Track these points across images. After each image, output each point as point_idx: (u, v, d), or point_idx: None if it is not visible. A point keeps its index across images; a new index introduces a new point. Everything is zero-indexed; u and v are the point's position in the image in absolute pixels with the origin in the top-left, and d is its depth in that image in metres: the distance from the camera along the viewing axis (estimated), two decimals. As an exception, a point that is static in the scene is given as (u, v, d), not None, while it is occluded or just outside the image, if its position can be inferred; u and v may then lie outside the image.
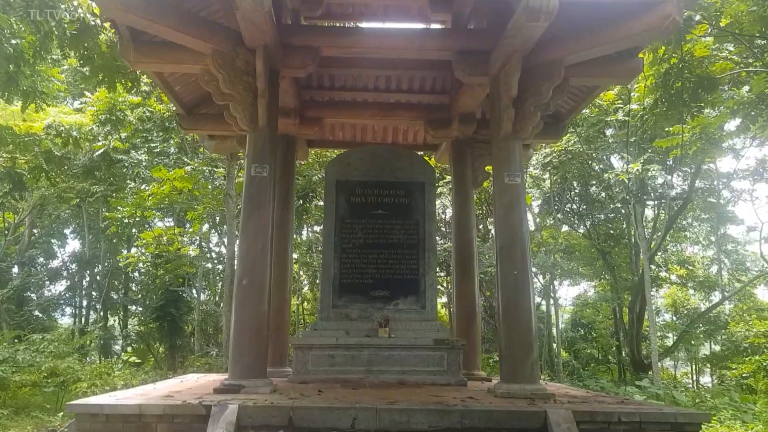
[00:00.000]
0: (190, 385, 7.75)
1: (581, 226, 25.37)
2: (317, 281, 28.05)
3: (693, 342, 28.06)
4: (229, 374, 6.78)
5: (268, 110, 7.16)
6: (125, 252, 26.65)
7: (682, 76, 9.97)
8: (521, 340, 6.75)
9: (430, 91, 10.22)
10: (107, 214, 18.69)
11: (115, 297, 31.35)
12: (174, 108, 9.72)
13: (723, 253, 29.81)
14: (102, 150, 19.60)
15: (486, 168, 9.92)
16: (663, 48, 9.91)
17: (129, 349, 32.22)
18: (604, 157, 20.72)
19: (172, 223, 21.76)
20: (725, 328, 27.54)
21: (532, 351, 6.76)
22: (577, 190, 23.78)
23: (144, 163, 19.07)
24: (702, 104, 10.19)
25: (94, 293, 30.67)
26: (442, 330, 8.17)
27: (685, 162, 15.03)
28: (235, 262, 7.15)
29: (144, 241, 16.85)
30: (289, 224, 9.69)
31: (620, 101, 14.85)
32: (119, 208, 18.06)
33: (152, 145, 19.71)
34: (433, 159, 11.94)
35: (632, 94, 13.66)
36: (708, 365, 30.56)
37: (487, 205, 20.83)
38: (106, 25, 9.54)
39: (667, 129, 11.81)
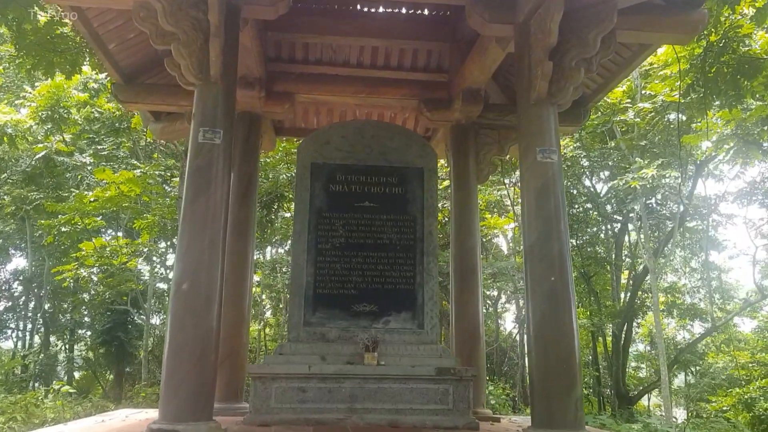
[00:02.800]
0: (111, 427, 5.79)
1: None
2: (281, 305, 26.09)
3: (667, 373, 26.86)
4: (160, 414, 4.86)
5: (224, 56, 5.34)
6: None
7: (719, 58, 8.43)
8: (560, 370, 4.98)
9: (424, 69, 8.52)
10: (42, 222, 16.50)
11: (62, 319, 28.81)
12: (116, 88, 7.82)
13: (706, 280, 28.75)
14: (43, 153, 17.51)
15: (492, 159, 8.19)
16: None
17: (75, 376, 29.80)
18: (586, 174, 19.26)
19: (122, 236, 19.58)
20: (702, 359, 26.47)
21: (574, 385, 4.98)
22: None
23: (89, 167, 17.01)
24: (742, 92, 8.60)
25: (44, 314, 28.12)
26: (445, 356, 6.31)
27: (716, 167, 13.50)
28: (174, 260, 5.23)
29: (83, 253, 14.72)
30: (251, 222, 7.80)
31: (629, 100, 13.40)
32: (60, 215, 15.90)
33: (99, 146, 17.68)
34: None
35: (643, 92, 12.20)
36: (681, 398, 29.37)
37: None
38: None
39: (697, 122, 10.20)
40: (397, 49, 8.30)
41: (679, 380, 30.12)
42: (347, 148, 6.76)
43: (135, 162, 17.05)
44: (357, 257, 6.53)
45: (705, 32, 8.43)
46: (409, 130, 7.16)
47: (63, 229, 15.28)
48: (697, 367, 26.91)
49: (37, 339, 28.59)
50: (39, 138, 17.40)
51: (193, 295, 4.93)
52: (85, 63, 15.96)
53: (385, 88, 8.13)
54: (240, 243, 7.53)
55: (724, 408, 20.91)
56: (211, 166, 5.18)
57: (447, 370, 6.00)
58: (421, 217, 6.70)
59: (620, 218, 21.96)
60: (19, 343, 29.08)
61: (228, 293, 7.10)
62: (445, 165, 8.71)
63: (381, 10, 8.34)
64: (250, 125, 7.85)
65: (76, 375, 30.80)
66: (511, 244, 27.26)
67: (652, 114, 12.18)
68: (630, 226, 24.75)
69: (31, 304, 28.64)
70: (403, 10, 8.34)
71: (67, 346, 30.00)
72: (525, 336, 27.60)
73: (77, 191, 16.79)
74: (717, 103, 9.06)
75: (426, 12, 8.37)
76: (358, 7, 8.26)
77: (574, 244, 23.30)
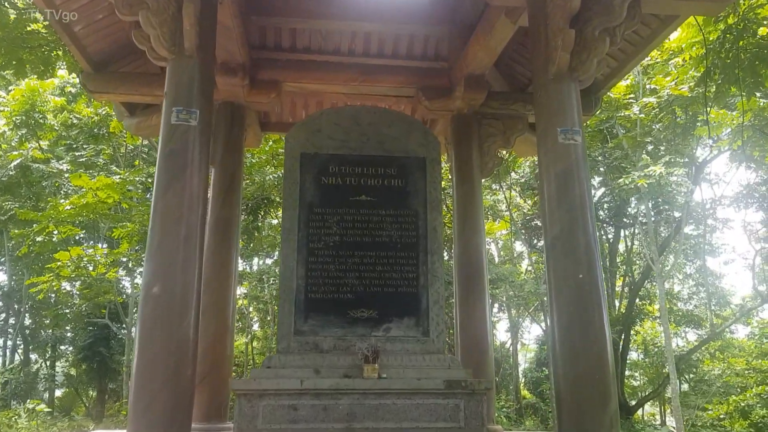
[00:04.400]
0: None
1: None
2: (268, 318, 25.31)
3: (661, 381, 26.39)
4: (128, 438, 4.15)
5: (200, 26, 4.67)
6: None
7: (737, 42, 7.85)
8: (592, 381, 4.33)
9: (422, 57, 7.90)
10: (15, 231, 15.67)
11: (44, 335, 27.82)
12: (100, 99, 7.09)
13: (703, 286, 28.29)
14: (18, 161, 16.71)
15: (497, 151, 7.55)
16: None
17: (56, 393, 28.84)
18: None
19: (105, 246, 18.76)
20: (696, 367, 25.99)
21: (609, 397, 4.33)
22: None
23: (66, 174, 16.21)
24: (761, 80, 8.01)
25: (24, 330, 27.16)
26: (455, 366, 5.61)
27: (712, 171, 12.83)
28: (144, 261, 4.53)
29: (59, 264, 13.92)
30: (234, 223, 7.10)
31: (632, 95, 12.81)
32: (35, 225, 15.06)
33: (77, 154, 16.90)
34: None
35: (649, 86, 11.63)
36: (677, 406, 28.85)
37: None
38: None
39: (706, 115, 9.57)
40: (392, 35, 7.68)
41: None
42: (341, 136, 6.06)
43: (115, 169, 16.28)
44: (353, 257, 5.81)
45: (723, 14, 7.86)
46: (410, 117, 6.50)
47: (38, 238, 14.46)
48: (691, 375, 26.46)
49: (17, 356, 27.58)
50: (13, 145, 16.59)
51: (166, 300, 4.25)
52: (61, 66, 15.28)
53: (379, 76, 7.50)
54: (223, 245, 6.85)
55: (721, 416, 20.62)
56: (186, 150, 4.51)
57: (457, 382, 5.29)
58: (424, 212, 6.00)
59: (613, 223, 21.46)
60: (-1, 360, 28.11)
61: (209, 300, 6.44)
62: (446, 160, 8.04)
63: (375, -8, 7.73)
64: (233, 116, 7.18)
65: (58, 393, 29.83)
66: (502, 252, 26.69)
67: (656, 110, 11.61)
68: (624, 232, 24.25)
69: (11, 320, 27.63)
70: (399, -8, 7.73)
71: (47, 363, 29.04)
72: (515, 345, 27.08)
73: (52, 201, 16.00)
74: (732, 92, 8.46)
75: (423, -7, 7.77)
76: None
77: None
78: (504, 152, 8.21)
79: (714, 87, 8.00)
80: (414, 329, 5.71)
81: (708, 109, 8.75)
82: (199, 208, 4.52)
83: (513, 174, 18.26)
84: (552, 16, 4.85)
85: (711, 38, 8.24)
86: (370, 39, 7.69)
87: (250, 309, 25.86)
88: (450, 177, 7.76)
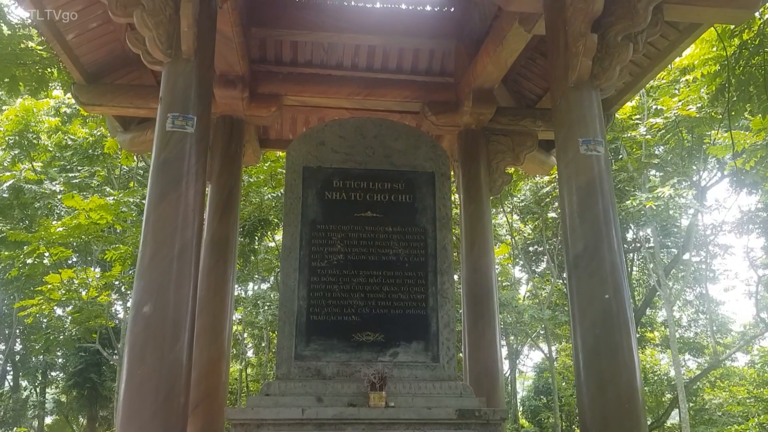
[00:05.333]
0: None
1: (558, 279, 22.91)
2: (263, 344, 24.79)
3: (664, 410, 25.90)
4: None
5: (198, 28, 4.38)
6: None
7: (752, 59, 7.61)
8: (622, 412, 3.98)
9: (426, 72, 7.66)
10: (4, 253, 15.26)
11: (34, 360, 27.22)
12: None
13: (703, 313, 27.96)
14: (11, 182, 16.35)
15: (506, 169, 7.25)
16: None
17: (46, 421, 28.20)
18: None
19: (99, 269, 18.33)
20: (696, 396, 25.56)
21: (639, 426, 3.96)
22: (553, 241, 21.34)
23: (60, 196, 15.85)
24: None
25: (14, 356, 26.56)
26: (467, 394, 5.23)
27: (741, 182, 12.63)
28: (134, 278, 4.17)
29: (49, 286, 13.51)
30: (232, 242, 6.74)
31: (638, 116, 12.59)
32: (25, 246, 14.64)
33: (71, 175, 16.57)
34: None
35: (654, 106, 11.41)
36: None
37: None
38: None
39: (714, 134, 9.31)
40: (396, 49, 7.45)
41: (673, 418, 29.16)
42: (346, 149, 5.75)
43: (109, 190, 15.94)
44: (358, 277, 5.46)
45: (738, 29, 7.65)
46: (418, 130, 6.19)
47: (28, 261, 14.05)
48: (691, 404, 26.03)
49: (7, 382, 26.96)
50: (6, 165, 16.26)
51: (158, 320, 3.90)
52: (56, 85, 15.00)
53: (384, 90, 7.22)
54: (219, 266, 6.51)
55: (723, 446, 20.49)
56: (182, 159, 4.18)
57: (470, 412, 4.92)
58: (433, 230, 5.67)
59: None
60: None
61: (204, 324, 6.09)
62: (452, 177, 7.75)
63: (378, 5, 7.51)
64: (232, 130, 6.88)
65: (48, 420, 29.16)
66: (500, 278, 26.34)
67: (663, 131, 11.38)
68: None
69: (1, 345, 27.05)
70: (403, 6, 7.51)
71: (37, 389, 28.43)
72: (513, 373, 26.62)
73: (46, 220, 15.62)
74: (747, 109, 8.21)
75: (428, 8, 7.54)
76: (353, 1, 7.42)
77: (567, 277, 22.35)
78: (512, 169, 7.90)
79: (728, 104, 7.73)
80: (423, 354, 5.35)
81: (724, 121, 8.44)
82: (195, 222, 4.18)
83: (513, 198, 17.97)
84: (572, 21, 4.58)
85: (724, 54, 8.01)
86: (374, 53, 7.46)
87: (245, 335, 25.39)
88: (457, 195, 7.44)
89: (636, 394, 4.01)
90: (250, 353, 27.23)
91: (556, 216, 19.54)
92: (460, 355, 7.42)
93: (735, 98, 7.68)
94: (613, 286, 4.19)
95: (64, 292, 13.58)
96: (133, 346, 3.90)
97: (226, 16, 5.43)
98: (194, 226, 4.16)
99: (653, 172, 14.48)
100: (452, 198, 6.21)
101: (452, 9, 7.44)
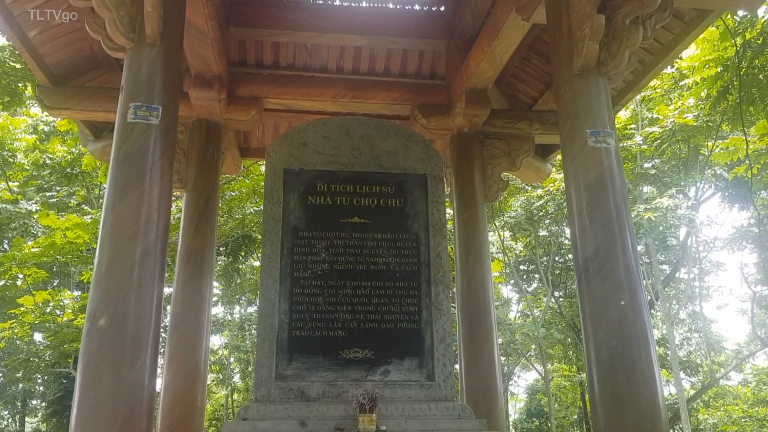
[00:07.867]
0: None
1: (551, 297, 22.47)
2: (249, 368, 24.11)
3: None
4: None
5: (165, 10, 3.95)
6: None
7: (754, 60, 7.29)
8: (642, 428, 3.51)
9: (416, 74, 7.28)
10: (-25, 276, 14.65)
11: (13, 389, 26.34)
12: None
13: (696, 331, 27.61)
14: (-16, 201, 15.79)
15: (501, 174, 6.83)
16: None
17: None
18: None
19: (77, 292, 17.70)
20: (690, 416, 25.13)
21: (662, 450, 3.50)
22: (545, 260, 20.90)
23: (35, 216, 15.29)
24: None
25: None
26: (465, 416, 4.74)
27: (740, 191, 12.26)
28: (90, 288, 3.66)
29: (22, 309, 12.91)
30: (208, 254, 6.24)
31: (633, 125, 12.26)
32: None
33: (48, 194, 16.04)
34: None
35: (648, 115, 11.10)
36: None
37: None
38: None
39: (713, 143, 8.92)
40: (384, 50, 7.08)
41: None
42: (330, 150, 5.31)
43: (87, 209, 15.40)
44: (345, 288, 4.98)
45: (740, 29, 7.33)
46: (408, 129, 5.74)
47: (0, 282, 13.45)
48: (679, 426, 25.63)
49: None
50: (-21, 186, 15.74)
51: (115, 334, 3.41)
52: (33, 103, 14.50)
53: (372, 92, 6.80)
54: (194, 280, 6.02)
55: (721, 466, 20.15)
56: (146, 153, 3.72)
57: (471, 435, 4.45)
58: (426, 236, 5.22)
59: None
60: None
61: (178, 343, 5.61)
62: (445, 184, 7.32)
63: (364, 4, 7.14)
64: (208, 135, 6.42)
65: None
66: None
67: (659, 141, 11.05)
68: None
69: (-21, 373, 26.20)
70: (390, 5, 7.15)
71: (17, 419, 27.52)
72: (505, 394, 26.08)
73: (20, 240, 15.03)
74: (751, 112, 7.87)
75: (417, 7, 7.18)
76: (338, 0, 7.06)
77: (560, 295, 21.97)
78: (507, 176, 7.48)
79: (740, 99, 7.38)
80: (417, 372, 4.86)
81: (722, 128, 8.11)
82: (159, 223, 3.70)
83: (504, 215, 17.58)
84: (576, 2, 4.19)
85: (726, 56, 7.69)
86: (361, 54, 7.10)
87: (231, 359, 24.71)
88: (450, 203, 7.01)
89: (658, 413, 3.56)
90: (236, 378, 26.54)
91: (547, 234, 19.17)
92: (456, 372, 6.94)
93: (738, 100, 7.33)
94: (628, 292, 3.75)
95: (38, 314, 12.97)
96: (87, 364, 3.40)
97: (200, 7, 5.02)
98: (159, 229, 3.68)
99: (646, 189, 14.15)
100: (445, 205, 5.75)
101: (442, 8, 7.10)
